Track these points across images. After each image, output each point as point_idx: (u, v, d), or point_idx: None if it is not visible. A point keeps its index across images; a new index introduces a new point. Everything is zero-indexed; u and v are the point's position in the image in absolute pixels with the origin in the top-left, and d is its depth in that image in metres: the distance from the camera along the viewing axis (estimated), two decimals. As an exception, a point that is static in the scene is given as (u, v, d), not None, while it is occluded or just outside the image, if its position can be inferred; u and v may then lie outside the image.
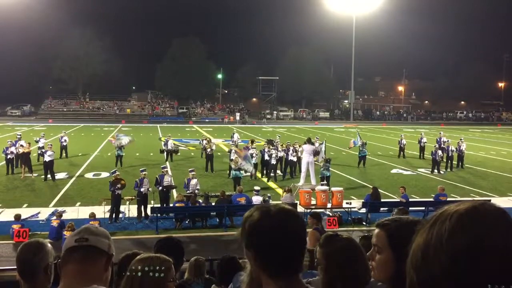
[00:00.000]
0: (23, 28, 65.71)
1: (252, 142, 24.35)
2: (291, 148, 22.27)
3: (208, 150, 23.34)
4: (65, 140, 26.42)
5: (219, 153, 26.86)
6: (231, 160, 20.53)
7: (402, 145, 29.05)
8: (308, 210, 15.23)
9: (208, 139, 26.89)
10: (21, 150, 21.48)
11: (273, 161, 21.54)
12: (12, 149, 21.54)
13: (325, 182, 17.76)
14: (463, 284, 0.87)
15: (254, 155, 21.57)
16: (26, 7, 61.41)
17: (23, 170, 21.06)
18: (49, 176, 20.28)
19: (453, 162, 25.05)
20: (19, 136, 23.70)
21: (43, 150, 21.61)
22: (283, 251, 1.48)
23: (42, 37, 65.89)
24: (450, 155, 24.85)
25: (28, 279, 2.28)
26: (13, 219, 13.24)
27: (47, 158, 20.26)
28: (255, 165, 21.60)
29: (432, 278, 0.90)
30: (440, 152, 24.31)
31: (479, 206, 0.94)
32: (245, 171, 19.97)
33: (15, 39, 65.14)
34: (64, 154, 26.27)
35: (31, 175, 21.05)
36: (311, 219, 8.64)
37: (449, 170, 24.56)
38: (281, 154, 22.32)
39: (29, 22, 64.54)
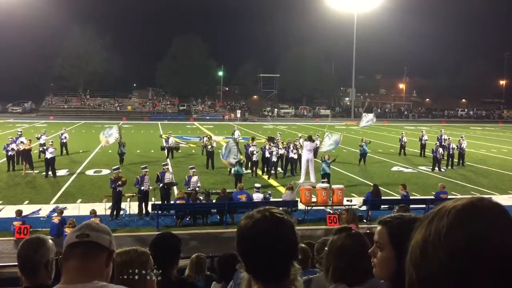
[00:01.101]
0: (24, 26, 65.62)
1: (253, 139, 24.31)
2: (292, 145, 22.29)
3: (209, 147, 23.36)
4: (65, 137, 26.43)
5: (219, 151, 26.79)
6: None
7: (403, 143, 29.00)
8: (309, 208, 15.28)
9: (208, 136, 26.95)
10: (21, 147, 21.53)
11: (274, 159, 21.54)
12: (13, 146, 21.56)
13: (325, 179, 17.77)
14: (463, 281, 0.87)
15: (255, 152, 21.61)
16: (26, 5, 61.37)
17: (24, 167, 21.09)
18: (50, 173, 20.31)
19: (454, 160, 25.04)
20: (19, 133, 23.73)
21: (45, 147, 21.63)
22: (265, 257, 1.46)
23: (42, 34, 65.81)
24: (451, 152, 24.85)
25: (29, 275, 2.28)
26: (14, 215, 13.25)
27: (48, 155, 20.27)
28: (256, 162, 21.63)
29: (432, 274, 0.90)
30: (441, 149, 24.30)
31: (476, 202, 0.94)
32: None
33: (16, 36, 65.07)
34: (64, 151, 26.29)
35: (32, 172, 21.07)
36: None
37: (450, 168, 24.55)
38: (281, 151, 22.31)
39: (29, 20, 64.46)
